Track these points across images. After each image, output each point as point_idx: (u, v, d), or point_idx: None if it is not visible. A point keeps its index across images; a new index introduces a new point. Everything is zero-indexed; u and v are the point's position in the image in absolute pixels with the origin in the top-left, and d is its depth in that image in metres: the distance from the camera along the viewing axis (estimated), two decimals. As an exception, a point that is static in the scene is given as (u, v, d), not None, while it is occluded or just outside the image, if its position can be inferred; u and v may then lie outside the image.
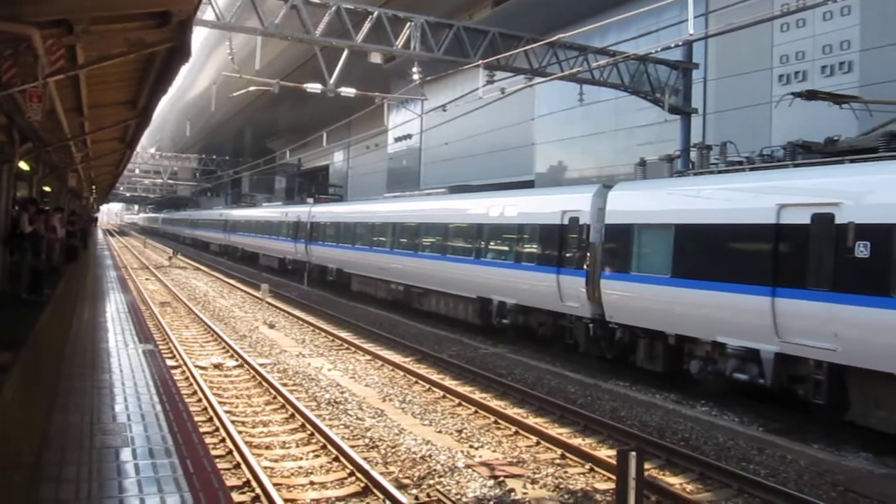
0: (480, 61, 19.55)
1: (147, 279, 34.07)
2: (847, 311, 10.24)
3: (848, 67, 19.48)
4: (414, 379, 14.40)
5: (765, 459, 9.94)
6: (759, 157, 13.79)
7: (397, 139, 44.11)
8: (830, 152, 12.37)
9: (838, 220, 10.55)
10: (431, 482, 8.69)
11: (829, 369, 10.68)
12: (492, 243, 19.56)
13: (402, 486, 8.44)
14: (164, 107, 50.20)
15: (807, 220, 11.06)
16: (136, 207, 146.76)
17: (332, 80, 20.28)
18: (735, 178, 13.36)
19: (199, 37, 36.88)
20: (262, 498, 7.95)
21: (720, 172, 14.08)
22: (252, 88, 24.43)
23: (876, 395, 10.21)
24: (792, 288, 11.14)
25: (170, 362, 13.61)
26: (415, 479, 8.81)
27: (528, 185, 29.30)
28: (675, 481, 9.18)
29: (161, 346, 15.00)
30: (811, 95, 13.99)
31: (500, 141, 33.93)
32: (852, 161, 11.42)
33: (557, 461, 9.79)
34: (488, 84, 21.05)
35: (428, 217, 23.42)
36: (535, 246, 17.71)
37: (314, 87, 21.54)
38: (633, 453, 7.18)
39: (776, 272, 11.41)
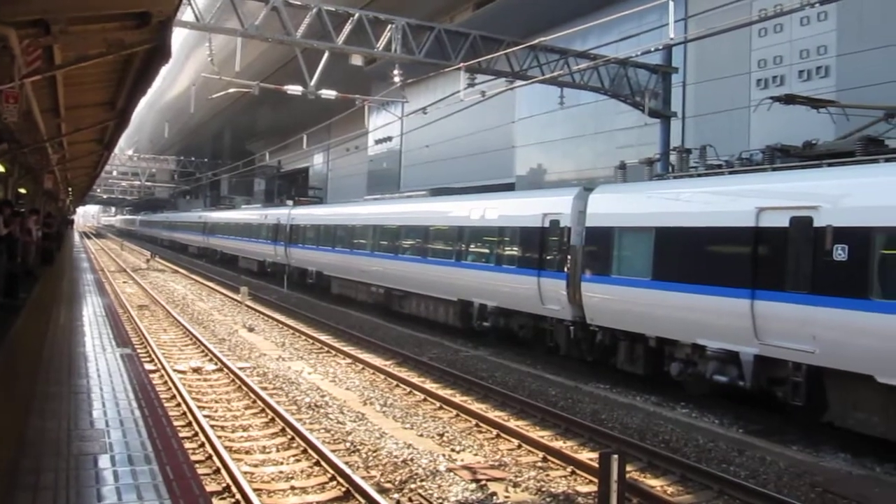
0: (461, 64, 19.56)
1: (125, 282, 33.74)
2: (825, 314, 10.32)
3: (825, 72, 19.69)
4: (395, 382, 14.35)
5: (745, 461, 10.00)
6: (739, 160, 13.88)
7: (378, 141, 44.07)
8: (808, 156, 12.47)
9: (816, 224, 10.63)
10: (413, 486, 8.66)
11: (807, 371, 10.77)
12: (472, 246, 19.55)
13: (383, 491, 8.40)
14: (143, 108, 49.78)
15: (785, 224, 11.14)
16: (114, 209, 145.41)
17: (312, 82, 20.20)
18: (715, 182, 13.43)
19: (179, 37, 36.65)
20: (243, 503, 7.88)
21: (700, 176, 14.16)
22: (232, 90, 24.28)
23: (854, 397, 10.31)
24: (771, 290, 11.21)
25: (148, 366, 13.48)
26: (396, 483, 8.77)
27: (509, 187, 29.36)
28: (656, 483, 9.22)
29: (139, 351, 14.88)
30: (790, 100, 14.11)
31: (480, 143, 33.97)
32: (830, 165, 11.53)
33: (539, 464, 9.80)
34: (469, 87, 21.05)
35: (408, 220, 23.36)
36: (515, 248, 17.72)
37: (294, 89, 21.44)
38: (615, 456, 7.19)
39: (755, 275, 11.49)
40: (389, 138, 39.83)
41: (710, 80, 22.96)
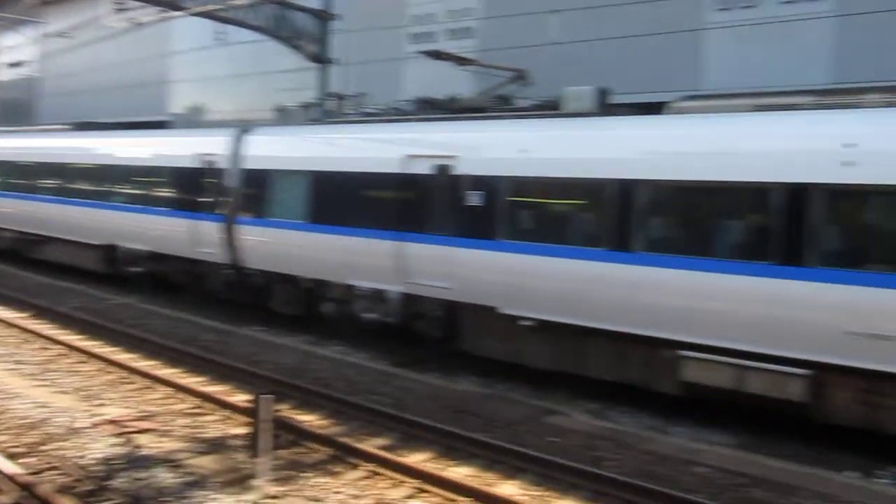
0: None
1: None
2: (460, 254, 11.40)
3: (469, 33, 21.31)
4: (28, 336, 12.95)
5: (391, 390, 10.77)
6: (392, 109, 14.60)
7: (11, 66, 38.54)
8: (452, 109, 13.52)
9: (455, 172, 11.62)
10: (47, 448, 7.97)
11: (445, 306, 11.87)
12: (121, 186, 18.16)
13: (12, 457, 7.61)
14: None
15: (430, 171, 11.99)
16: None
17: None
18: (369, 129, 13.95)
19: None
20: None
21: (356, 122, 14.62)
22: None
23: (480, 326, 11.61)
24: (416, 233, 12.05)
25: None
26: (28, 446, 8.00)
27: (163, 125, 27.62)
28: (309, 418, 9.53)
29: None
30: (437, 56, 15.14)
31: (132, 76, 31.33)
32: (469, 119, 12.62)
33: (192, 411, 9.61)
34: (118, 12, 19.29)
35: (47, 156, 20.97)
36: (169, 190, 16.82)
37: None
38: (265, 396, 7.33)
39: (404, 219, 12.24)
40: (20, 63, 34.99)
41: (369, 30, 23.59)
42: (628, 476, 7.65)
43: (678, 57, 16.00)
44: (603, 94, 11.52)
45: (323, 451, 8.37)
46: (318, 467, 8.01)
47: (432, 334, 12.25)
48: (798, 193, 8.64)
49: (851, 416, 8.64)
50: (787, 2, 15.87)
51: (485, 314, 11.31)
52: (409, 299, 12.30)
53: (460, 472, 7.92)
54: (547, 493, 7.47)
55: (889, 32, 14.05)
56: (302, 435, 8.73)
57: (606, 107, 11.43)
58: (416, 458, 8.25)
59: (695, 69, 16.09)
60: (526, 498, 7.32)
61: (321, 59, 22.19)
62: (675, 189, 9.57)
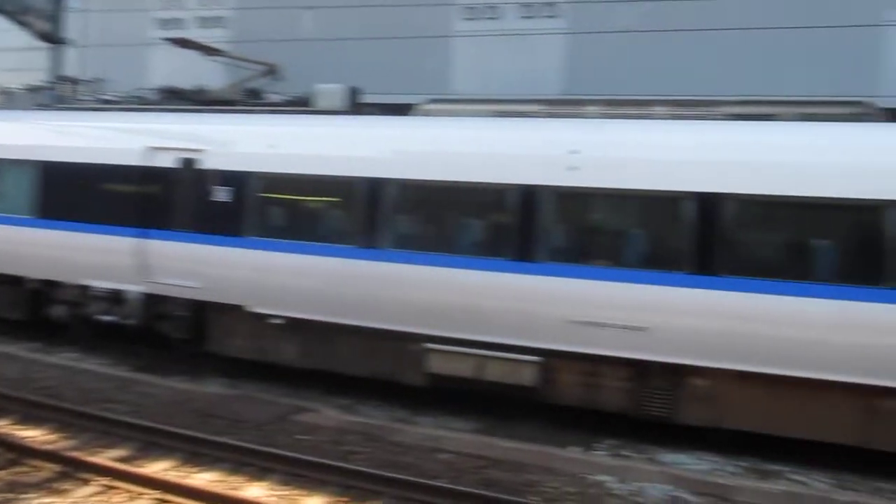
0: None
1: None
2: (208, 252, 11.03)
3: (221, 23, 20.58)
4: None
5: (129, 397, 10.11)
6: (134, 98, 13.74)
7: None
8: (199, 100, 12.99)
9: (202, 166, 11.20)
10: None
11: (190, 306, 11.41)
12: None
13: None
14: None
15: (175, 164, 11.45)
16: None
17: None
18: (108, 117, 13.01)
19: None
20: None
21: (93, 110, 13.58)
22: None
23: (228, 326, 11.30)
24: (161, 230, 11.46)
25: None
26: None
27: None
28: (33, 434, 8.68)
29: None
30: (184, 44, 14.43)
31: None
32: (218, 111, 12.19)
33: None
34: None
35: None
36: None
37: None
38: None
39: (147, 214, 11.58)
40: None
41: (110, 11, 21.93)
42: (376, 467, 7.83)
43: (428, 61, 16.66)
44: (353, 92, 11.68)
45: (48, 469, 7.67)
46: (43, 487, 7.33)
47: (177, 336, 11.72)
48: (530, 194, 9.37)
49: (575, 397, 9.55)
50: (527, 17, 17.14)
51: (233, 313, 11.04)
52: (152, 299, 11.67)
53: (205, 478, 7.64)
54: (295, 492, 7.43)
55: (611, 50, 15.70)
56: (23, 452, 7.95)
57: (356, 105, 11.60)
58: (157, 468, 7.84)
59: (443, 73, 16.87)
60: (273, 499, 7.24)
61: (53, 39, 20.30)
62: (420, 188, 9.96)
